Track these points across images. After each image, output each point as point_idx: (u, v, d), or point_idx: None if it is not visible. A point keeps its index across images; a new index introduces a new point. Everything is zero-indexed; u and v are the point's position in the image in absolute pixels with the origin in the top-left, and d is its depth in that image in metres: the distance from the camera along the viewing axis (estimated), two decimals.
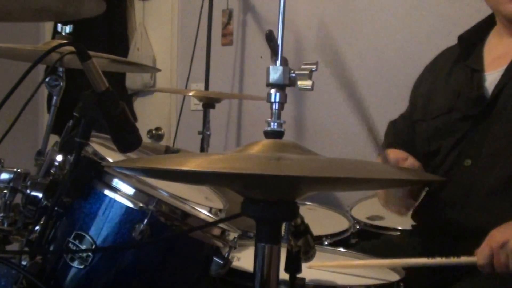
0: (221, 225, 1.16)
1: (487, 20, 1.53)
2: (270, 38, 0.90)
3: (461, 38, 1.54)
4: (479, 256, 1.22)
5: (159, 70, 1.95)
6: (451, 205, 1.42)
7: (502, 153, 1.35)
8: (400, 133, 1.62)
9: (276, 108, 0.90)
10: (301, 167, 0.77)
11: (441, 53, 1.63)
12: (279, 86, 0.90)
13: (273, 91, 0.90)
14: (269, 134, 0.90)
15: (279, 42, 0.90)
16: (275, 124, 0.90)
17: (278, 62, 0.90)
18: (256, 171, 0.72)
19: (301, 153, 0.85)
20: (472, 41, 1.52)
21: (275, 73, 0.89)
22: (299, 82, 0.90)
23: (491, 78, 1.42)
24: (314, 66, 0.90)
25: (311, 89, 0.90)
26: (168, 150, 2.06)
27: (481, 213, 1.36)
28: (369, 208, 2.09)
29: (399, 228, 1.89)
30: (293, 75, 0.90)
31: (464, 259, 1.25)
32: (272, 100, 0.90)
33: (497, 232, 1.22)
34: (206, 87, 2.87)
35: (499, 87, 1.38)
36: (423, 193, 1.61)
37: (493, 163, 1.37)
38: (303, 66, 0.91)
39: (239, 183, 0.81)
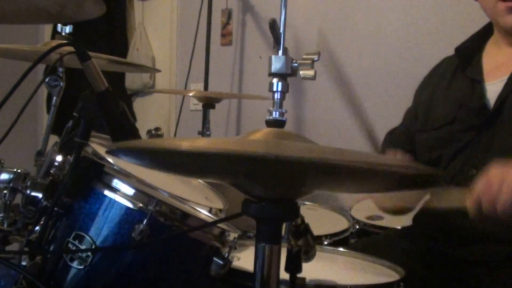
0: (221, 225, 1.16)
1: (484, 30, 1.52)
2: (273, 27, 0.89)
3: (458, 50, 1.53)
4: (476, 185, 1.12)
5: (159, 70, 1.95)
6: (455, 211, 1.41)
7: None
8: (397, 142, 1.61)
9: (278, 97, 0.89)
10: (306, 150, 0.73)
11: (441, 62, 1.61)
12: (281, 76, 0.89)
13: (275, 80, 0.89)
14: (270, 123, 0.89)
15: (281, 31, 0.89)
16: (277, 113, 0.89)
17: (280, 52, 0.89)
18: (260, 150, 0.68)
19: (304, 142, 0.84)
20: (470, 51, 1.51)
21: (278, 62, 0.88)
22: (301, 72, 0.89)
23: (493, 88, 1.40)
24: (316, 56, 0.89)
25: (314, 78, 0.89)
26: None
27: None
28: (369, 208, 2.08)
29: (399, 228, 1.89)
30: (295, 64, 0.89)
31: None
32: (274, 89, 0.89)
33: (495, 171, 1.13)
34: (206, 87, 2.87)
35: (501, 98, 1.36)
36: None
37: None
38: (304, 56, 0.90)
39: (243, 165, 0.78)
